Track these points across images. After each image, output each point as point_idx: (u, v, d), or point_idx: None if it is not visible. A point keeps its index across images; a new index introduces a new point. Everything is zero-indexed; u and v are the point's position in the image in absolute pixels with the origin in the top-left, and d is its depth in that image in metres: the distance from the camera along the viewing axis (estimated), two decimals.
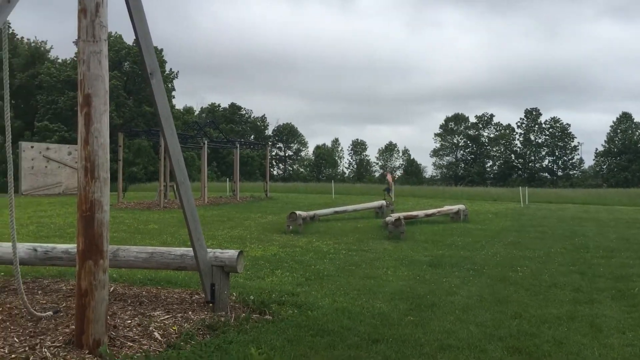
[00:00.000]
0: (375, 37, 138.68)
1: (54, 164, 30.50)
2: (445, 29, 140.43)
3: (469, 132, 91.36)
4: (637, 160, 78.20)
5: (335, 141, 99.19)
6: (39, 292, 5.99)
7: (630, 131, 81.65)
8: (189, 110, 70.67)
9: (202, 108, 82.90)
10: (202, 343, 4.57)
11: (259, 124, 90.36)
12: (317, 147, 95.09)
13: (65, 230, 12.75)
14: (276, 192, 37.10)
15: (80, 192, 4.16)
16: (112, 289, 6.21)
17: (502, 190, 44.84)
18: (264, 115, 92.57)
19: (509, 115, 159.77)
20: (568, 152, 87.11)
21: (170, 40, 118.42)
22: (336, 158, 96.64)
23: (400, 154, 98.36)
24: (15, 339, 4.22)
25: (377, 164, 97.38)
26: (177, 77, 62.92)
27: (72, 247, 6.03)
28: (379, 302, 6.34)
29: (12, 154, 4.72)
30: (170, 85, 62.91)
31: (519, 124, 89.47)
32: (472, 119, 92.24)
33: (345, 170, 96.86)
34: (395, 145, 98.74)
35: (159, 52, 60.40)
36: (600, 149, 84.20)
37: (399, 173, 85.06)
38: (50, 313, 4.96)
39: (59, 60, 61.08)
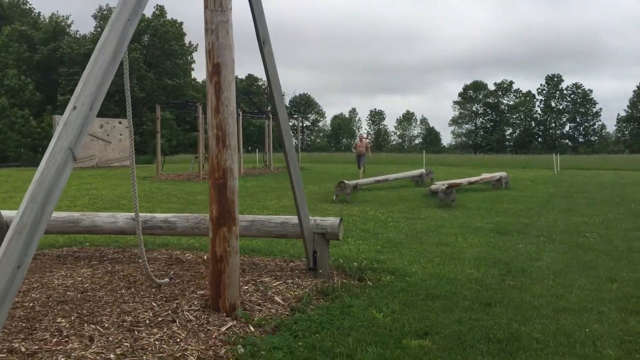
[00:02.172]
0: (380, 5, 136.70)
1: (87, 137, 30.72)
2: None
3: (489, 100, 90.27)
4: None
5: (353, 111, 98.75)
6: (139, 261, 6.12)
7: None
8: None
9: None
10: (324, 307, 4.68)
11: None
12: (335, 117, 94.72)
13: (120, 202, 12.91)
14: (301, 162, 37.11)
15: (212, 160, 4.22)
16: (206, 257, 6.33)
17: (524, 157, 44.56)
18: None
19: (526, 83, 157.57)
20: (590, 118, 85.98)
21: (188, 14, 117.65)
22: (354, 128, 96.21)
23: (419, 123, 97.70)
24: (153, 303, 4.35)
25: (396, 133, 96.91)
26: (196, 51, 62.59)
27: (170, 216, 6.15)
28: (468, 268, 6.40)
29: (133, 132, 4.79)
30: (189, 58, 62.68)
31: (539, 90, 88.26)
32: (492, 87, 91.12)
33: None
34: (412, 114, 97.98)
35: (178, 25, 60.09)
36: (623, 114, 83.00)
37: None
38: (167, 280, 5.10)
39: (78, 35, 61.13)
